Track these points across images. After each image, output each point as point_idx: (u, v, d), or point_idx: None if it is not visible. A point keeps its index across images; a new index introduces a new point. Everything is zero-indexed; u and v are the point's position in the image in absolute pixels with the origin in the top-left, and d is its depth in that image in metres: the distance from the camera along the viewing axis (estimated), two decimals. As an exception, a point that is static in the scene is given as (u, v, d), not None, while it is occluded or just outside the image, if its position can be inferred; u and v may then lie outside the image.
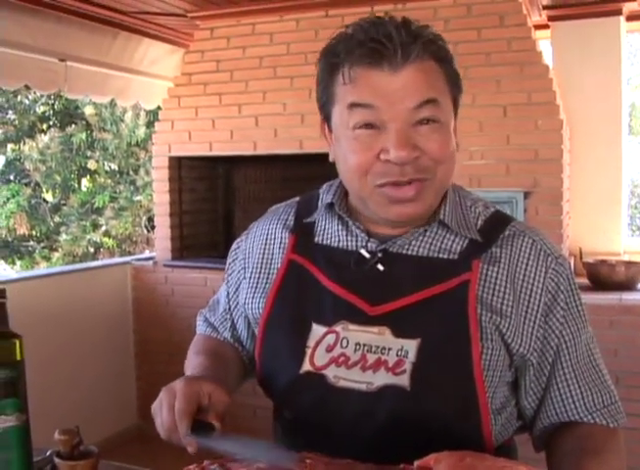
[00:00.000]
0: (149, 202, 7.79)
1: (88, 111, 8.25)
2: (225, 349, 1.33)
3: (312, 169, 4.30)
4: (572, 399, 1.12)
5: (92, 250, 8.45)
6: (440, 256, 1.12)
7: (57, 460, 1.04)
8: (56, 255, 8.49)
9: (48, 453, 1.20)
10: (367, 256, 1.13)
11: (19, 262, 8.98)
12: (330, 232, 1.20)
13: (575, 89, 3.80)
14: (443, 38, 1.10)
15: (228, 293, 1.34)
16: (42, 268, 8.27)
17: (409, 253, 1.13)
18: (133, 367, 4.24)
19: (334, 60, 1.09)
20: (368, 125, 1.05)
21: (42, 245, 8.81)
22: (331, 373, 1.09)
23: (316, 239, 1.21)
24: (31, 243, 8.84)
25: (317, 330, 1.12)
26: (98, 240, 8.34)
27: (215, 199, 4.53)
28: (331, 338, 1.10)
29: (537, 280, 1.11)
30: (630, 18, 3.85)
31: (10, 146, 8.93)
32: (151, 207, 7.71)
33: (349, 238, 1.17)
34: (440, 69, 1.07)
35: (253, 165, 4.41)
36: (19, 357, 1.08)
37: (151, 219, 7.90)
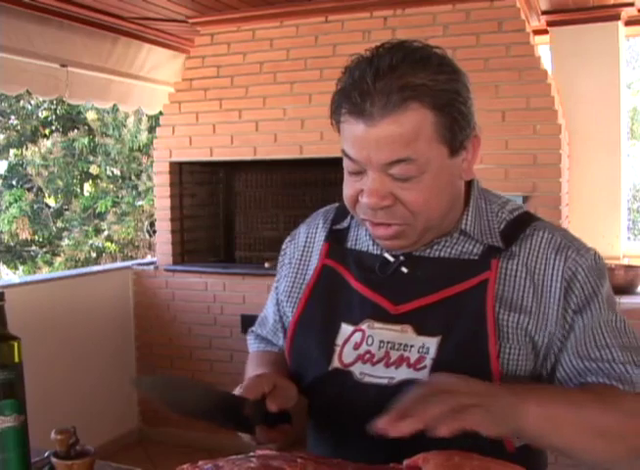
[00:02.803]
0: (151, 207, 7.80)
1: (90, 116, 8.28)
2: (282, 359, 1.34)
3: (312, 174, 4.33)
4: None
5: (94, 255, 8.46)
6: (462, 257, 1.15)
7: (54, 460, 1.05)
8: (58, 259, 8.51)
9: (46, 454, 1.21)
10: (391, 259, 1.18)
11: (21, 267, 9.00)
12: (359, 238, 1.25)
13: (574, 94, 3.82)
14: (446, 74, 1.04)
15: (278, 300, 1.36)
16: (44, 273, 8.29)
17: (431, 255, 1.17)
18: (134, 371, 4.24)
19: (336, 94, 1.09)
20: (353, 171, 1.09)
21: (44, 250, 8.83)
22: (357, 370, 1.14)
23: (348, 244, 1.26)
24: (34, 248, 8.87)
25: (345, 329, 1.17)
26: (100, 245, 8.36)
27: (216, 203, 4.55)
28: (358, 336, 1.16)
29: (556, 269, 1.12)
30: (629, 23, 3.87)
31: (12, 151, 8.96)
32: (153, 211, 7.72)
33: (376, 243, 1.21)
34: (431, 115, 1.02)
35: (254, 170, 4.43)
36: (17, 360, 1.10)
37: (153, 224, 7.91)
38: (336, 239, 1.28)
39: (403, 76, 1.01)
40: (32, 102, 8.68)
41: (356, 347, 1.15)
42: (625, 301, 3.21)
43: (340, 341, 1.17)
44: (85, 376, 3.85)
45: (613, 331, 1.12)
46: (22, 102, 8.60)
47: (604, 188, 3.84)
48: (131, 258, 8.18)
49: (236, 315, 3.93)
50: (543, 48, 3.93)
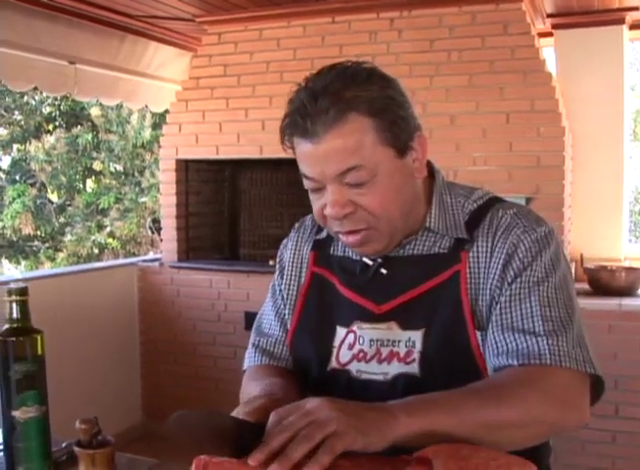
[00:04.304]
0: (153, 203, 7.83)
1: (94, 112, 8.30)
2: (287, 373, 1.34)
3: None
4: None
5: (96, 251, 8.49)
6: (433, 252, 1.21)
7: (77, 449, 1.08)
8: (60, 255, 8.54)
9: (64, 445, 1.25)
10: (370, 263, 1.24)
11: (23, 262, 9.03)
12: (340, 245, 1.30)
13: (578, 96, 3.84)
14: (376, 84, 1.11)
15: (279, 308, 1.38)
16: (47, 268, 8.32)
17: (406, 254, 1.22)
18: (138, 367, 4.28)
19: (282, 122, 1.16)
20: (313, 189, 1.16)
21: (47, 245, 8.85)
22: (354, 368, 1.21)
23: (331, 251, 1.32)
24: (36, 243, 8.89)
25: (340, 331, 1.25)
26: (102, 241, 8.39)
27: (221, 201, 4.58)
28: (351, 337, 1.23)
29: (501, 247, 1.16)
30: (633, 26, 3.89)
31: (16, 146, 8.99)
32: (155, 208, 7.75)
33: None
34: (369, 122, 1.09)
35: (259, 169, 4.46)
36: (40, 352, 1.13)
37: (155, 221, 7.94)
38: (320, 247, 1.34)
39: (337, 93, 1.08)
40: (36, 97, 8.69)
41: (351, 347, 1.22)
42: (626, 303, 3.24)
43: (336, 343, 1.24)
44: (89, 372, 3.87)
45: (542, 301, 1.12)
46: (25, 97, 8.61)
47: (606, 190, 3.87)
48: (133, 254, 8.21)
49: (240, 312, 3.96)
50: (548, 50, 3.95)
